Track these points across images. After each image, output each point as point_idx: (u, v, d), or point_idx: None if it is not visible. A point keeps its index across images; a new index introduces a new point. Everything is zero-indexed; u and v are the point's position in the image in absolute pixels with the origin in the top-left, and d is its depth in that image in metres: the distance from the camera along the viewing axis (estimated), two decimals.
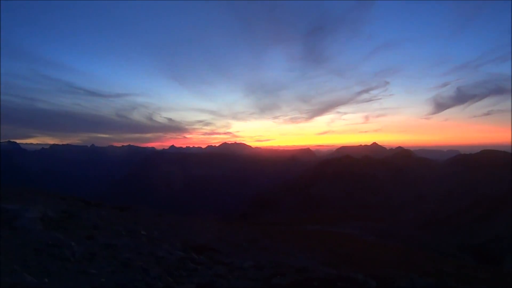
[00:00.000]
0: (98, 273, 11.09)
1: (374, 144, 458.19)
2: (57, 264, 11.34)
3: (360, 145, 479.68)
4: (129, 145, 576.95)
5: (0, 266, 10.32)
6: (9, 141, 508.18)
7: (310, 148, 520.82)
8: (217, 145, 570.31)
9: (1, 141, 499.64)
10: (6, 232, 14.28)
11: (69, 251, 12.38)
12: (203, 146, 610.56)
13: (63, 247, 12.75)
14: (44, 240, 13.56)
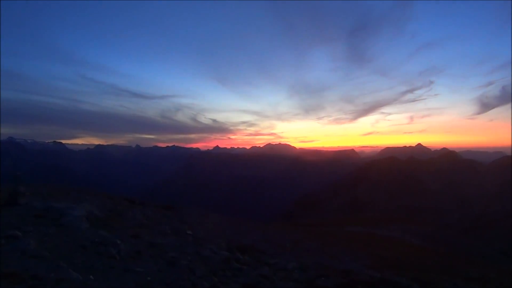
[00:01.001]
0: (144, 271, 11.32)
1: (419, 145, 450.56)
2: (103, 262, 11.66)
3: (405, 146, 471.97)
4: (173, 146, 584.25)
5: (46, 262, 10.66)
6: (55, 141, 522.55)
7: (355, 149, 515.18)
8: (261, 146, 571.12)
9: (47, 141, 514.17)
10: (53, 230, 14.80)
11: (115, 249, 12.70)
12: (248, 147, 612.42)
13: (109, 245, 13.08)
14: (90, 237, 13.99)
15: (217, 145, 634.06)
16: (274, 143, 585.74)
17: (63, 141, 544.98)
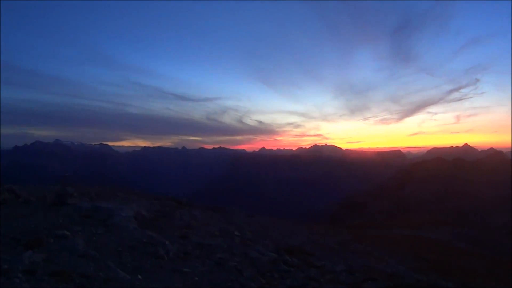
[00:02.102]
0: (192, 272, 11.48)
1: (466, 145, 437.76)
2: (151, 262, 11.91)
3: (451, 146, 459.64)
4: (219, 147, 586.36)
5: (94, 262, 10.95)
6: (101, 143, 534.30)
7: (401, 150, 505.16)
8: (307, 147, 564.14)
9: (93, 143, 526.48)
10: (101, 230, 15.23)
11: (163, 250, 12.93)
12: (294, 148, 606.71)
13: (157, 245, 13.33)
14: (138, 238, 14.31)
15: (263, 147, 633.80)
16: (320, 144, 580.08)
17: (110, 143, 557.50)
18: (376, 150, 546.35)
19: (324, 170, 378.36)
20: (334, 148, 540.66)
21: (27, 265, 9.98)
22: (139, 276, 10.40)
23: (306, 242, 20.74)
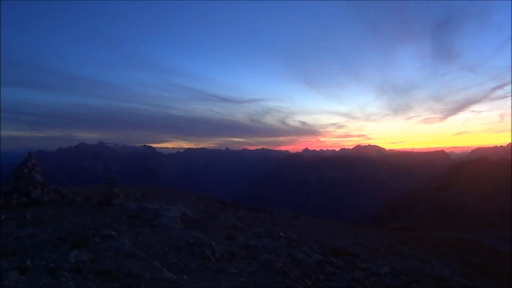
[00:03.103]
0: (238, 272, 11.49)
1: (510, 145, 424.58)
2: (197, 262, 11.97)
3: (496, 146, 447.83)
4: (262, 149, 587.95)
5: (141, 262, 11.06)
6: (145, 145, 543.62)
7: (445, 150, 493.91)
8: (350, 147, 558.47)
9: (137, 145, 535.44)
10: (147, 230, 15.44)
11: (209, 250, 13.01)
12: (337, 149, 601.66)
13: (203, 246, 13.41)
14: (185, 238, 14.43)
15: (306, 148, 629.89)
16: (363, 145, 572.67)
17: (153, 145, 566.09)
18: (420, 151, 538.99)
19: (368, 171, 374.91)
20: (378, 149, 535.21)
21: (73, 264, 10.16)
22: (185, 276, 10.46)
23: (351, 244, 20.52)
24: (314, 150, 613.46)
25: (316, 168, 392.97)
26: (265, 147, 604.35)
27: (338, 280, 11.67)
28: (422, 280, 13.01)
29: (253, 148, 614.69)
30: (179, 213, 18.89)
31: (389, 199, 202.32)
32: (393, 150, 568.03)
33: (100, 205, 22.13)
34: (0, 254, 11.10)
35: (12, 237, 13.65)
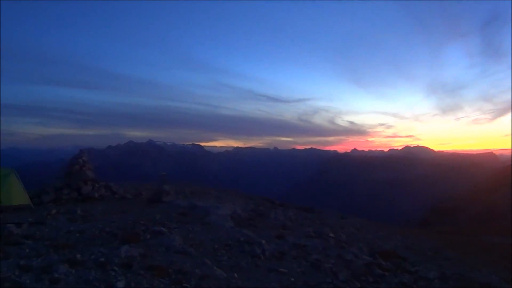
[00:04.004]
0: (288, 272, 11.44)
1: None
2: (247, 261, 12.00)
3: None
4: (311, 148, 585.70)
5: (191, 258, 11.15)
6: (194, 144, 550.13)
7: (494, 152, 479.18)
8: (399, 148, 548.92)
9: (186, 143, 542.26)
10: (198, 227, 15.66)
11: (259, 249, 13.02)
12: (385, 149, 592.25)
13: (253, 244, 13.47)
14: (235, 236, 14.55)
15: (355, 148, 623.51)
16: (412, 146, 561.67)
17: (202, 144, 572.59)
18: (469, 152, 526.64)
19: (416, 172, 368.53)
20: (426, 150, 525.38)
21: (124, 259, 10.32)
22: (235, 275, 10.47)
23: (399, 247, 20.15)
24: (363, 150, 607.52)
25: (364, 168, 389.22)
26: (314, 146, 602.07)
27: (387, 283, 11.53)
28: (470, 286, 12.71)
29: (301, 147, 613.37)
30: (229, 211, 19.06)
31: (437, 201, 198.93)
32: (442, 151, 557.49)
33: (150, 201, 22.51)
34: (50, 247, 11.41)
35: (63, 231, 14.01)
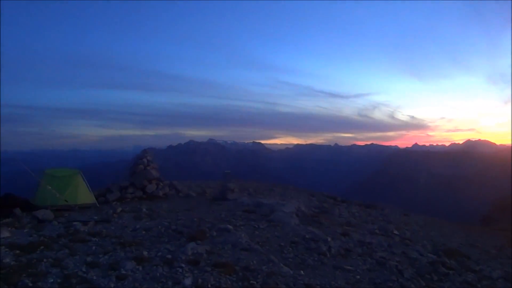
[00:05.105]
0: (354, 269, 11.39)
1: None
2: (314, 258, 11.97)
3: None
4: (371, 144, 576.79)
5: (257, 256, 11.23)
6: (254, 142, 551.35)
7: None
8: (460, 142, 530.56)
9: (246, 141, 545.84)
10: (263, 224, 15.77)
11: (325, 246, 12.95)
12: (447, 144, 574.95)
13: (319, 241, 13.41)
14: (301, 233, 14.54)
15: (416, 142, 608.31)
16: (473, 140, 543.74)
17: (262, 141, 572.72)
18: None
19: (478, 168, 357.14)
20: (489, 144, 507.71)
21: (190, 256, 10.50)
22: (302, 272, 10.47)
23: (463, 244, 19.68)
24: (424, 145, 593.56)
25: (425, 164, 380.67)
26: (374, 142, 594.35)
27: (451, 282, 11.31)
28: None
29: (362, 143, 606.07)
30: (294, 209, 19.02)
31: (499, 198, 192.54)
32: (504, 145, 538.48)
33: (215, 199, 22.72)
34: (117, 244, 11.70)
35: (129, 228, 14.35)
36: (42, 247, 10.91)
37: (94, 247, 11.40)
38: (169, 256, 10.41)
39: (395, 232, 18.62)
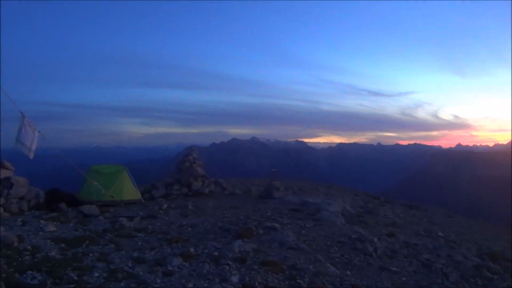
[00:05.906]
0: (399, 271, 11.35)
1: None
2: (360, 258, 11.97)
3: None
4: (415, 144, 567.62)
5: (304, 254, 11.31)
6: (297, 140, 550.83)
7: None
8: (505, 143, 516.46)
9: (289, 140, 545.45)
10: (310, 223, 15.79)
11: (371, 247, 12.94)
12: (491, 144, 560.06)
13: (365, 242, 13.38)
14: (347, 233, 14.51)
15: (459, 143, 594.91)
16: None
17: (305, 140, 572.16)
18: None
19: None
20: None
21: (237, 254, 10.64)
22: (348, 272, 10.51)
23: (507, 249, 19.23)
24: (467, 145, 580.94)
25: (468, 165, 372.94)
26: (418, 142, 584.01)
27: (495, 287, 11.13)
28: None
29: (405, 143, 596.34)
30: (340, 208, 18.95)
31: None
32: None
33: (260, 197, 22.80)
34: (163, 240, 11.92)
35: (175, 225, 14.61)
36: (87, 242, 11.22)
37: (140, 243, 11.70)
38: (216, 253, 10.56)
39: (440, 234, 18.40)
